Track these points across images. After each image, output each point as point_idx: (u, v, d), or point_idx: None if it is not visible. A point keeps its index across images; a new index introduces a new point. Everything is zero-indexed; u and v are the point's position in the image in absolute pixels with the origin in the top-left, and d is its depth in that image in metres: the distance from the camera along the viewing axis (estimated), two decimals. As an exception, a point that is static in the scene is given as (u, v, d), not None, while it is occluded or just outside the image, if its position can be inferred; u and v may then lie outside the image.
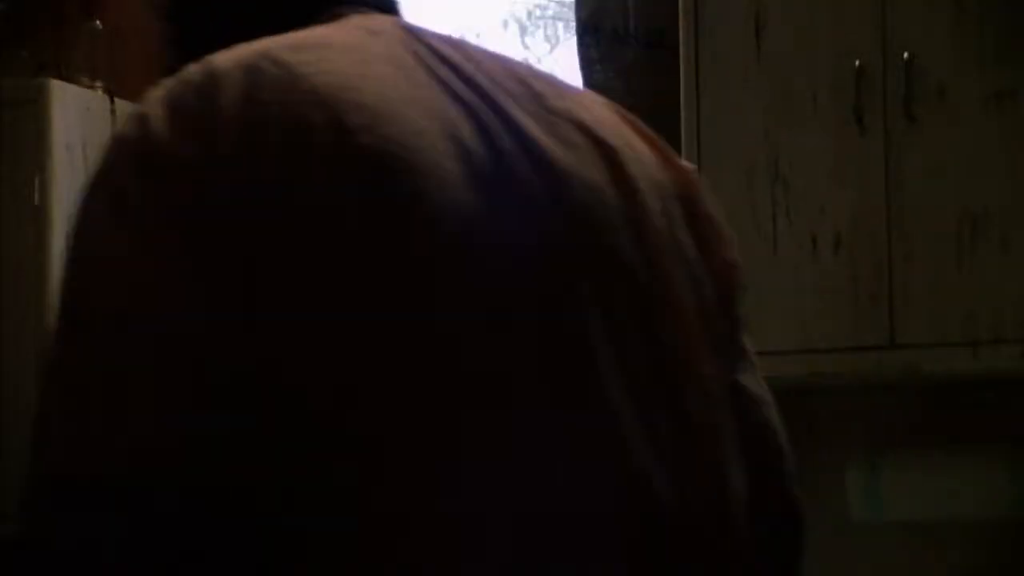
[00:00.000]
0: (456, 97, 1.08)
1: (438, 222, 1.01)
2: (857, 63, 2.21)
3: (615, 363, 1.01)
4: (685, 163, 1.19)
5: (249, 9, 1.16)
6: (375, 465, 0.92)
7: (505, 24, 3.32)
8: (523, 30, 3.36)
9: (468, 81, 1.10)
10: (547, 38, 3.37)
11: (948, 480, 2.32)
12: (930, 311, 2.15)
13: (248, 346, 0.95)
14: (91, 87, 2.90)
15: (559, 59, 3.29)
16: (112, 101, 2.87)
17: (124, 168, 1.01)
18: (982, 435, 2.38)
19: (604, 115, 1.16)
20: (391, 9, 1.20)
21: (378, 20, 1.15)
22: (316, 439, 0.93)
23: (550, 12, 3.31)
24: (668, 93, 2.44)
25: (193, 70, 1.04)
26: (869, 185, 2.21)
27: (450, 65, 1.10)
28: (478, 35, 3.34)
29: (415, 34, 1.13)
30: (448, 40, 1.14)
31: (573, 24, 2.69)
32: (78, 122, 2.78)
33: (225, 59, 1.03)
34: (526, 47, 3.38)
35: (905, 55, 2.18)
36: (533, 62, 3.39)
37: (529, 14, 3.31)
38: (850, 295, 2.20)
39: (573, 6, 2.72)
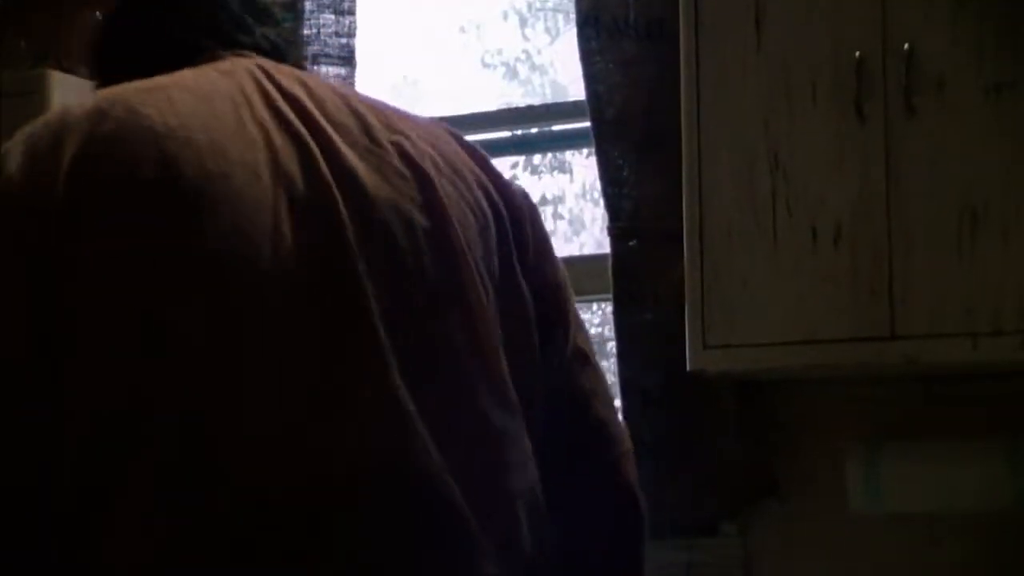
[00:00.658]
0: (289, 131, 1.26)
1: (249, 245, 1.18)
2: (857, 54, 2.21)
3: (392, 349, 1.21)
4: (517, 187, 1.42)
5: (142, 54, 1.40)
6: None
7: (505, 16, 3.32)
8: (523, 22, 3.36)
9: (305, 116, 1.28)
10: (547, 30, 3.37)
11: (948, 472, 2.32)
12: (930, 302, 2.15)
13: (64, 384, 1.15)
14: (90, 78, 2.90)
15: (559, 51, 3.29)
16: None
17: None
18: (982, 427, 2.38)
19: (435, 146, 1.35)
20: (273, 52, 1.41)
21: (240, 63, 1.36)
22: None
23: (550, 3, 3.31)
24: (668, 84, 2.44)
25: (52, 116, 1.28)
26: (869, 177, 2.21)
27: (292, 101, 1.29)
28: (478, 26, 3.34)
29: (269, 74, 1.33)
30: (301, 78, 1.35)
31: (573, 16, 2.69)
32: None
33: (81, 106, 1.26)
34: (526, 39, 3.38)
35: (905, 46, 2.18)
36: (533, 54, 3.39)
37: (529, 6, 3.31)
38: (850, 286, 2.20)
39: (573, -3, 2.72)
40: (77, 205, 1.20)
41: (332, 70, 2.95)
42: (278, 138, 1.26)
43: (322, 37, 2.96)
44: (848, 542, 2.48)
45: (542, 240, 1.43)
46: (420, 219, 1.28)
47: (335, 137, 1.29)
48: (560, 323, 1.42)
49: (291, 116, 1.29)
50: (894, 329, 2.17)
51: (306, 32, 2.95)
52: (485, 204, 1.35)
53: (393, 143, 1.32)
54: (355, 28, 2.96)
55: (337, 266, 1.23)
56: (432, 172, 1.31)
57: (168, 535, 1.14)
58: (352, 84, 2.96)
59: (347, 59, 2.95)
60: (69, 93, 2.77)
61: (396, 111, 1.40)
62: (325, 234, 1.23)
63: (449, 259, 1.29)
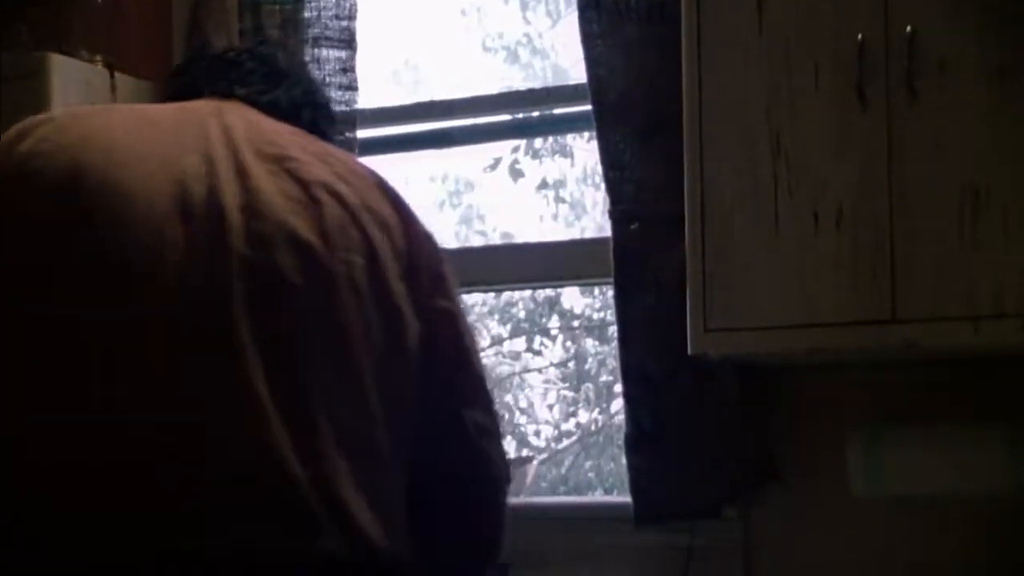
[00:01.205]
0: (208, 158, 1.47)
1: (137, 245, 1.39)
2: (859, 37, 2.20)
3: (258, 353, 1.40)
4: (423, 229, 1.62)
5: (174, 96, 1.69)
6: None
7: (506, -1, 3.32)
8: (524, 5, 3.36)
9: (232, 148, 1.49)
10: (548, 13, 3.37)
11: (949, 456, 2.32)
12: (931, 286, 2.15)
13: None
14: (91, 61, 2.90)
15: (560, 34, 3.29)
16: (112, 75, 2.87)
17: None
18: (983, 410, 2.38)
19: (351, 185, 1.54)
20: (252, 100, 1.65)
21: (208, 102, 1.61)
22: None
23: (551, -13, 3.31)
24: (669, 68, 2.43)
25: (27, 120, 1.50)
26: (871, 160, 2.21)
27: (230, 136, 1.51)
28: (479, 10, 3.34)
29: (225, 114, 1.56)
30: (252, 120, 1.59)
31: (574, -1, 2.69)
32: (78, 96, 2.77)
33: (54, 112, 1.57)
34: (527, 22, 3.38)
35: (908, 29, 2.18)
36: (534, 37, 3.39)
37: (530, -11, 3.31)
38: (851, 270, 2.20)
39: (575, -20, 2.71)
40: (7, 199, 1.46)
41: (332, 53, 2.95)
42: (194, 160, 1.47)
43: (322, 19, 2.95)
44: (849, 526, 2.48)
45: (436, 276, 1.62)
46: (317, 246, 1.48)
47: (253, 167, 1.48)
48: (445, 354, 1.60)
49: (222, 147, 1.50)
50: (895, 313, 2.16)
51: (306, 15, 2.95)
52: (381, 238, 1.54)
53: (291, 169, 1.52)
54: (355, 11, 2.96)
55: (213, 275, 1.43)
56: (324, 198, 1.50)
57: None
58: (352, 67, 2.95)
59: (347, 42, 2.95)
60: (70, 77, 2.76)
61: (327, 151, 1.63)
62: (211, 256, 1.43)
63: (327, 280, 1.47)
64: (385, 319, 1.52)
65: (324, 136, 1.74)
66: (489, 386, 1.69)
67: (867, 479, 2.34)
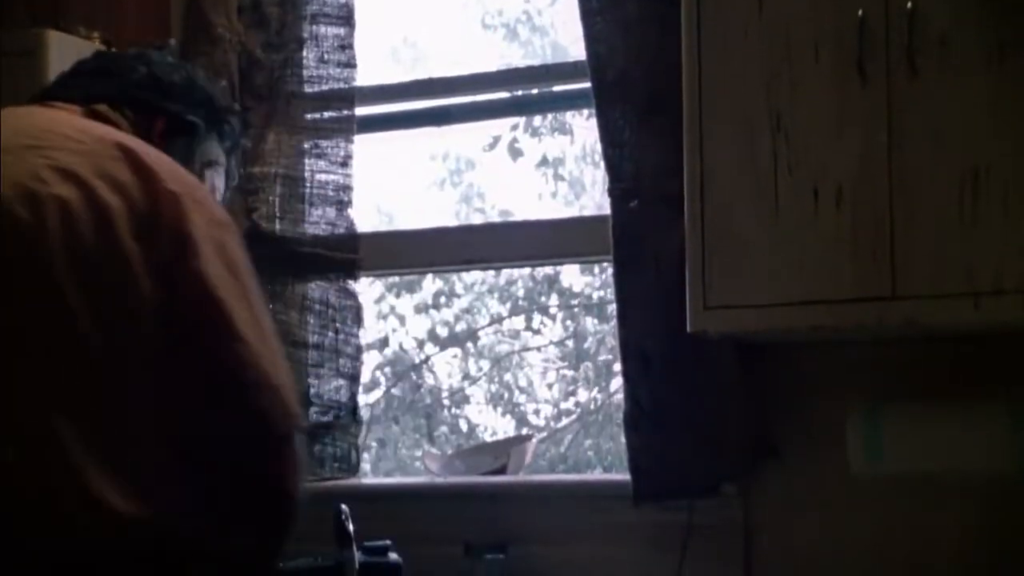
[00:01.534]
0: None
1: None
2: (860, 13, 2.19)
3: None
4: (169, 187, 1.64)
5: None
6: None
7: (506, -25, 3.31)
8: (525, -19, 3.35)
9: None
10: (548, -11, 3.36)
11: (948, 433, 2.32)
12: (931, 263, 2.15)
13: None
14: (88, 38, 2.89)
15: (560, 11, 3.28)
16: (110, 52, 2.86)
17: None
18: (983, 387, 2.38)
19: (82, 154, 1.64)
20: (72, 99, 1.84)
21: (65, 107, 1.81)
22: None
23: (551, -36, 3.29)
24: (669, 45, 2.43)
25: None
26: (871, 137, 2.20)
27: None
28: (478, -14, 3.32)
29: (24, 113, 1.75)
30: (38, 116, 1.77)
31: (574, -25, 2.68)
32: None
33: None
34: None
35: (908, 5, 2.17)
36: (534, 15, 3.38)
37: (530, -34, 3.30)
38: (851, 247, 2.19)
39: (574, -43, 2.70)
40: None
41: (331, 30, 2.94)
42: None
43: (321, -4, 2.95)
44: (849, 503, 2.48)
45: (179, 236, 1.63)
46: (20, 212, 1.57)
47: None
48: (191, 314, 1.63)
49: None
50: (895, 290, 2.16)
51: (305, -9, 2.94)
52: (116, 200, 1.61)
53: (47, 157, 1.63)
54: (354, -13, 2.95)
55: None
56: (51, 177, 1.60)
57: None
58: (351, 44, 2.94)
59: (346, 19, 2.94)
60: (67, 53, 2.75)
61: (70, 131, 1.71)
62: None
63: (43, 252, 1.56)
64: (114, 281, 1.58)
65: (156, 111, 1.88)
66: (275, 346, 1.70)
67: (866, 456, 2.34)
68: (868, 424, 2.36)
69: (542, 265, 3.31)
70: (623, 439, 2.62)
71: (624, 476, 2.59)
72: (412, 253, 3.01)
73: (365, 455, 3.11)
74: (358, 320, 2.93)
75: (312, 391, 2.87)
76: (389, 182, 3.38)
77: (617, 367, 2.77)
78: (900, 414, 2.37)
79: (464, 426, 3.64)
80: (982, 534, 2.39)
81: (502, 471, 2.87)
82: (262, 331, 1.66)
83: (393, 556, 2.16)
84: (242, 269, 1.68)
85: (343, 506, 2.12)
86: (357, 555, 2.11)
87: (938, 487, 2.41)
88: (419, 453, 3.17)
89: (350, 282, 2.93)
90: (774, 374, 2.54)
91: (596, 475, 3.26)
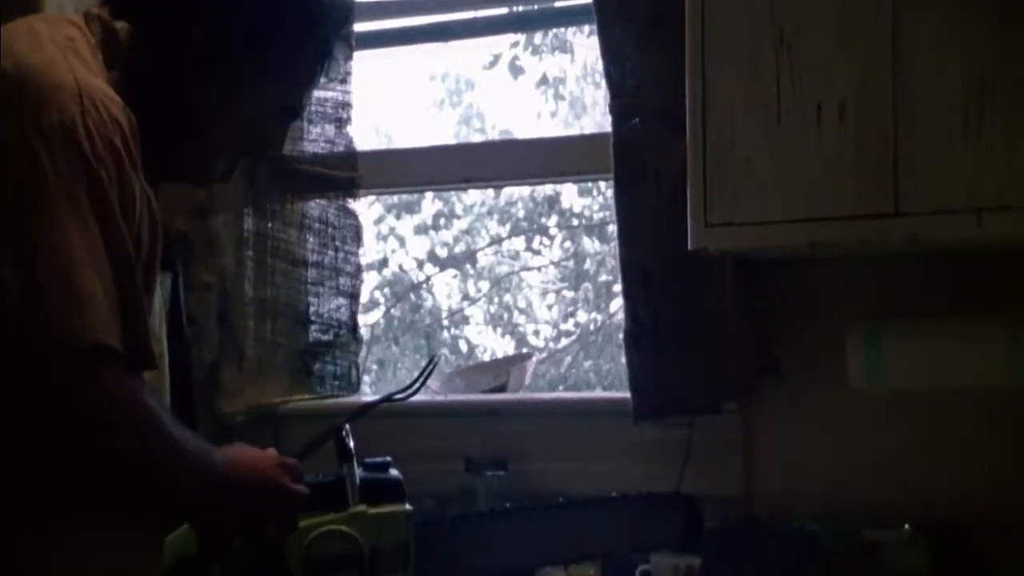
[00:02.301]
0: None
1: None
2: (865, -74, 2.17)
3: None
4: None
5: None
6: None
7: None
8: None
9: None
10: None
11: (948, 349, 2.32)
12: (935, 179, 2.13)
13: None
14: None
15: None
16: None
17: None
18: (984, 304, 2.38)
19: None
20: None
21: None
22: None
23: None
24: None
25: None
26: (875, 53, 2.17)
27: None
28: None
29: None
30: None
31: None
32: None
33: None
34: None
35: (914, -87, 2.15)
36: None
37: None
38: (854, 163, 2.18)
39: None
40: None
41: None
42: None
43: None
44: (848, 421, 2.49)
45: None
46: None
47: None
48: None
49: None
50: (898, 206, 2.15)
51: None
52: None
53: None
54: (352, -98, 2.91)
55: None
56: None
57: None
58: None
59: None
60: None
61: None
62: None
63: None
64: None
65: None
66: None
67: (867, 373, 2.34)
68: (868, 342, 2.35)
69: (542, 183, 3.29)
70: (623, 360, 2.62)
71: (624, 394, 2.59)
72: (411, 171, 3.00)
73: (365, 377, 3.11)
74: (357, 239, 2.92)
75: (312, 309, 2.87)
76: (388, 103, 3.36)
77: (617, 288, 2.77)
78: (900, 332, 2.37)
79: (464, 347, 3.64)
80: (981, 450, 2.40)
81: (502, 389, 2.87)
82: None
83: (394, 472, 2.16)
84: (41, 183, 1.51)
85: (345, 424, 2.11)
86: (358, 471, 2.10)
87: (937, 404, 2.41)
88: (421, 395, 3.16)
89: (349, 200, 2.91)
90: (775, 292, 2.54)
91: (596, 393, 3.26)
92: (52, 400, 1.48)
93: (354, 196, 2.92)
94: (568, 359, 3.54)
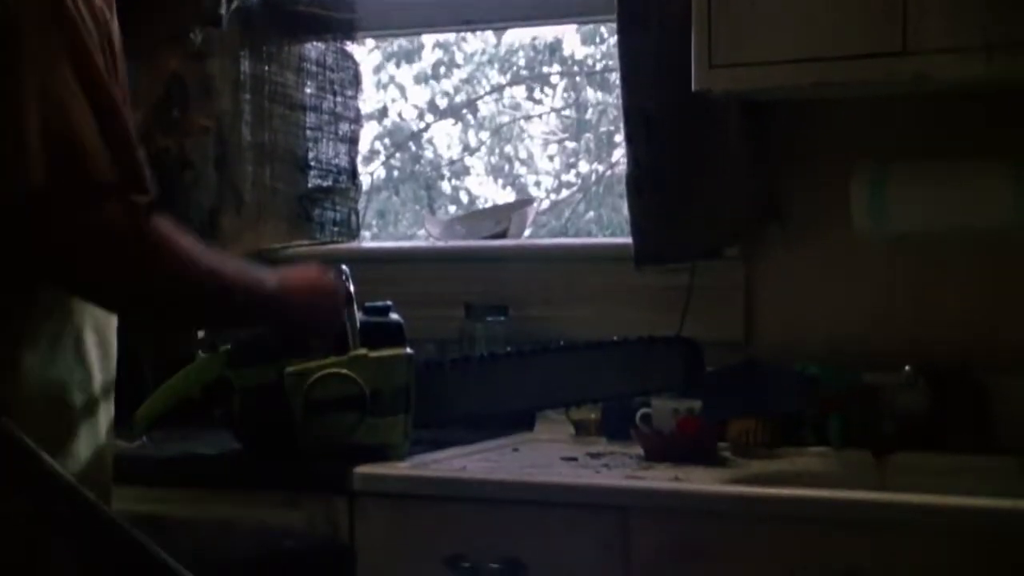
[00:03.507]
0: None
1: None
2: None
3: None
4: None
5: None
6: None
7: None
8: None
9: None
10: None
11: (955, 192, 2.30)
12: (944, 16, 2.09)
13: None
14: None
15: None
16: None
17: None
18: (990, 146, 2.35)
19: None
20: None
21: None
22: None
23: None
24: None
25: None
26: None
27: None
28: None
29: None
30: None
31: None
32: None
33: None
34: None
35: None
36: None
37: None
38: (861, 1, 2.14)
39: None
40: None
41: None
42: None
43: None
44: (851, 265, 2.47)
45: None
46: None
47: None
48: None
49: None
50: (905, 44, 2.11)
51: None
52: None
53: None
54: None
55: None
56: None
57: None
58: None
59: None
60: None
61: None
62: None
63: None
64: None
65: None
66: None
67: (871, 216, 2.32)
68: (873, 184, 2.33)
69: (544, 24, 3.24)
70: (625, 211, 2.61)
71: (626, 240, 2.58)
72: (411, 13, 2.95)
73: (366, 233, 3.10)
74: (356, 83, 2.88)
75: (311, 155, 2.84)
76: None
77: (619, 139, 2.74)
78: (905, 174, 2.35)
79: (464, 198, 3.62)
80: (984, 292, 2.39)
81: (503, 235, 2.86)
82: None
83: (394, 316, 2.16)
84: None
85: (343, 266, 2.10)
86: (358, 315, 2.10)
87: (941, 247, 2.40)
88: (421, 232, 3.16)
89: (348, 43, 2.87)
90: (779, 135, 2.51)
91: (598, 239, 3.25)
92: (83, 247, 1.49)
93: (352, 39, 2.87)
94: (569, 210, 3.52)
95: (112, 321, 1.66)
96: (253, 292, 1.75)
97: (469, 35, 3.44)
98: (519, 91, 3.59)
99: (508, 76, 3.60)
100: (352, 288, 2.09)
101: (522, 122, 3.59)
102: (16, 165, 1.44)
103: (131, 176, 1.51)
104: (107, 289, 1.54)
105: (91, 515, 1.03)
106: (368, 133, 3.32)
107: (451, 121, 3.62)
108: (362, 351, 2.10)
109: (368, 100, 3.17)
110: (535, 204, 3.06)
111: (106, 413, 1.67)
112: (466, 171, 3.64)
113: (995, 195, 2.26)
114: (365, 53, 3.08)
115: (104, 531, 1.00)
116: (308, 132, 2.85)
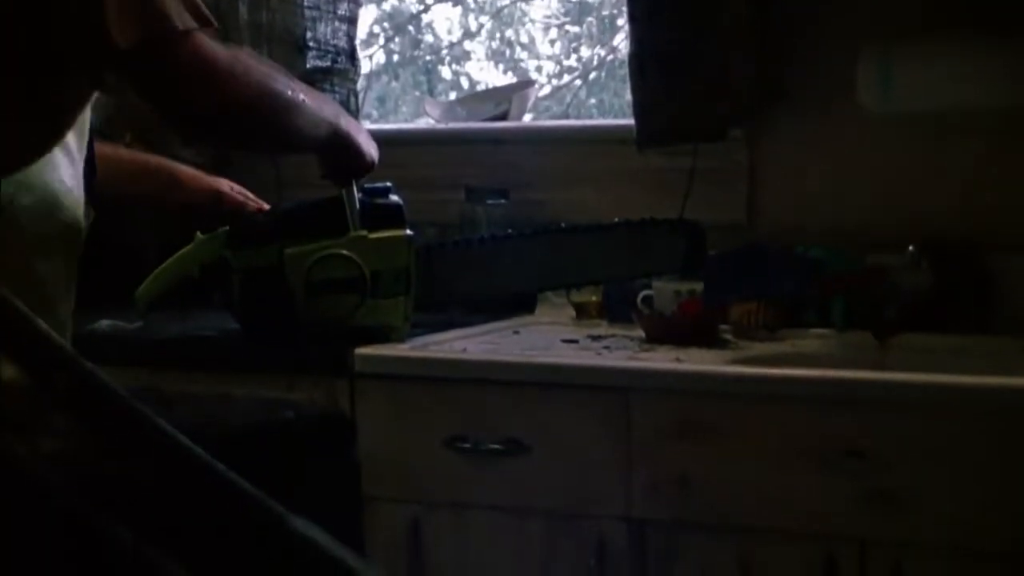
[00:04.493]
0: None
1: None
2: None
3: None
4: None
5: None
6: None
7: None
8: None
9: None
10: None
11: (963, 69, 2.27)
12: None
13: None
14: None
15: None
16: None
17: None
18: (999, 23, 2.31)
19: None
20: None
21: None
22: None
23: None
24: None
25: None
26: None
27: None
28: None
29: None
30: None
31: None
32: None
33: None
34: None
35: None
36: None
37: None
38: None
39: None
40: None
41: None
42: None
43: None
44: (856, 145, 2.45)
45: None
46: None
47: None
48: None
49: None
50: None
51: None
52: None
53: None
54: None
55: None
56: None
57: None
58: None
59: None
60: None
61: None
62: None
63: None
64: None
65: None
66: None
67: (877, 94, 2.29)
68: (880, 62, 2.30)
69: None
70: (628, 96, 2.57)
71: (628, 122, 2.55)
72: None
73: (365, 123, 3.07)
74: (354, -41, 2.84)
75: (308, 35, 2.80)
76: None
77: (621, 22, 2.70)
78: (912, 51, 2.31)
79: (465, 83, 3.59)
80: (990, 172, 2.37)
81: (503, 117, 2.83)
82: None
83: (394, 198, 2.14)
84: None
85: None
86: (357, 196, 2.08)
87: (947, 126, 2.37)
88: (422, 123, 3.13)
89: (344, -83, 2.82)
90: (784, 13, 2.46)
91: (600, 120, 3.22)
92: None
93: (351, -84, 2.82)
94: (571, 95, 3.49)
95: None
96: (322, 116, 1.91)
97: (469, -84, 3.39)
98: (520, -27, 3.54)
99: (509, -43, 3.56)
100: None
101: (523, 5, 3.55)
102: (101, 29, 1.53)
103: (197, 14, 1.61)
104: (208, 114, 1.68)
105: (90, 385, 1.01)
106: (367, 17, 3.28)
107: (451, 3, 3.58)
108: (362, 232, 2.08)
109: (367, -17, 3.13)
110: (536, 86, 3.03)
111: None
112: (466, 56, 3.60)
113: (1004, 74, 2.23)
114: (363, -67, 3.04)
115: (104, 401, 0.99)
116: (306, 12, 2.81)
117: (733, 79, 2.45)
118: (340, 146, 1.97)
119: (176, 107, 1.67)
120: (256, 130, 1.79)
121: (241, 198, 2.23)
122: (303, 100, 1.83)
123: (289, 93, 1.79)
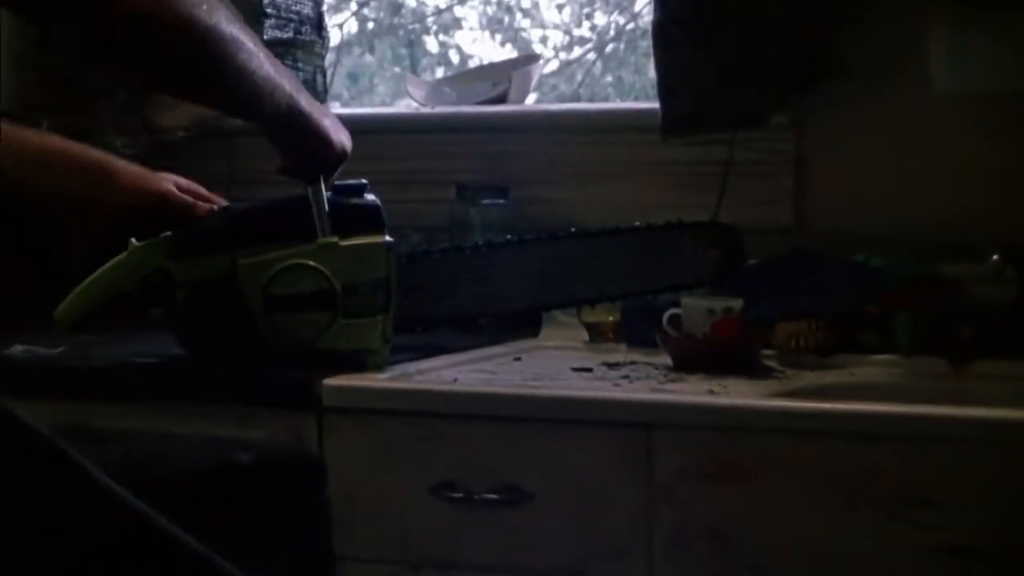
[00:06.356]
0: None
1: None
2: None
3: None
4: None
5: None
6: None
7: None
8: None
9: None
10: None
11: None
12: None
13: None
14: None
15: None
16: None
17: None
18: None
19: None
20: None
21: None
22: None
23: None
24: None
25: None
26: None
27: None
28: None
29: None
30: None
31: None
32: None
33: None
34: None
35: None
36: None
37: None
38: None
39: None
40: None
41: None
42: None
43: None
44: (923, 133, 2.48)
45: None
46: None
47: None
48: None
49: None
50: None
51: None
52: None
53: None
54: None
55: None
56: None
57: None
58: None
59: None
60: None
61: None
62: None
63: None
64: None
65: None
66: None
67: (951, 73, 2.33)
68: (953, 37, 2.33)
69: None
70: (651, 72, 2.60)
71: (652, 105, 2.58)
72: None
73: (335, 105, 3.10)
74: (321, -89, 2.88)
75: (266, 0, 2.84)
76: None
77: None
78: (989, 26, 2.34)
79: (455, 57, 3.62)
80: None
81: (502, 99, 2.86)
82: None
83: (370, 197, 2.16)
84: None
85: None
86: (327, 195, 2.10)
87: (1020, 104, 2.39)
88: (403, 107, 3.16)
89: None
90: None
91: (617, 103, 3.25)
92: None
93: None
94: (582, 72, 3.52)
95: None
96: (278, 81, 1.87)
97: None
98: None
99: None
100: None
101: (525, -38, 3.59)
102: None
103: None
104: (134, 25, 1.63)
105: (7, 424, 1.03)
106: (337, -23, 3.31)
107: (438, -38, 3.62)
108: (332, 238, 2.10)
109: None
110: (540, 61, 3.06)
111: None
112: (456, 24, 3.63)
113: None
114: None
115: (23, 442, 1.00)
116: (264, -28, 2.85)
117: (776, 52, 2.48)
118: (301, 130, 1.96)
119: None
120: (190, 62, 1.74)
121: (190, 199, 2.20)
122: (256, 49, 1.80)
123: (237, 31, 1.75)
